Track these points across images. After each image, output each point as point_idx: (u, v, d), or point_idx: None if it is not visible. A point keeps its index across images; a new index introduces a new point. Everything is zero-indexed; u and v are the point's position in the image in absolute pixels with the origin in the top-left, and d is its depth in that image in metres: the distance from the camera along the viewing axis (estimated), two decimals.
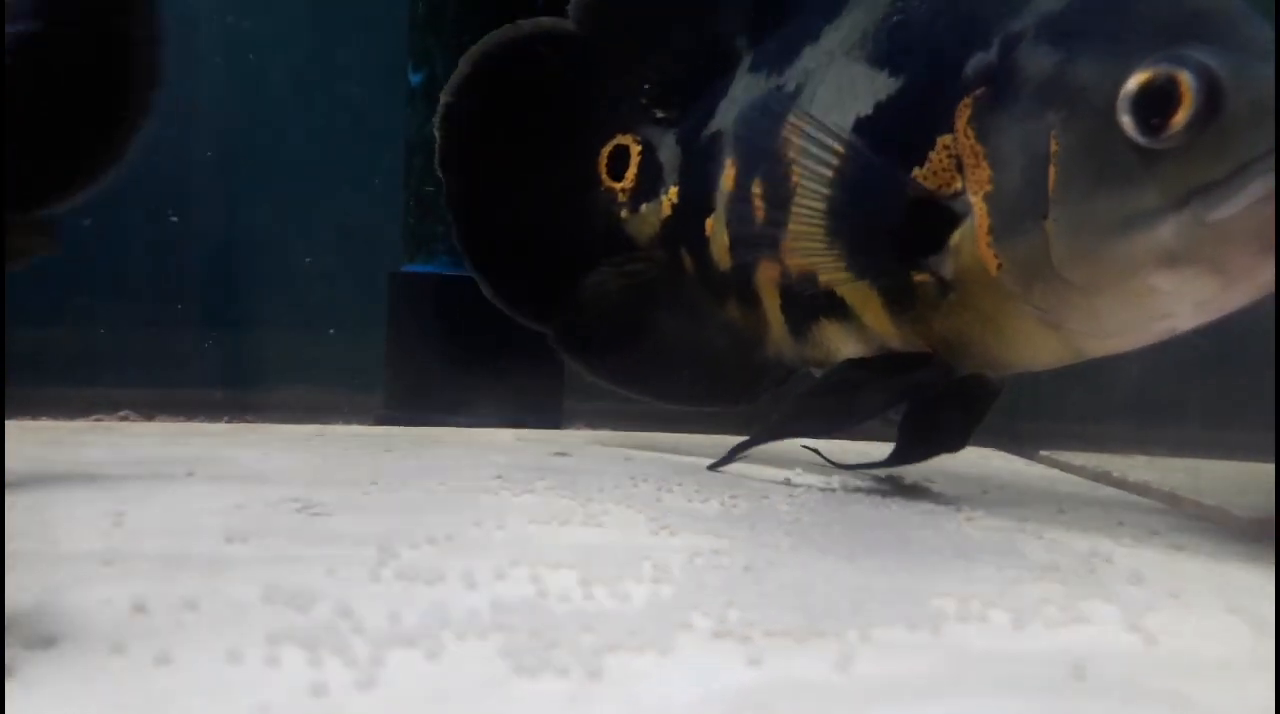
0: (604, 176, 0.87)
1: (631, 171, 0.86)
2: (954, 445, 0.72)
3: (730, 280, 0.76)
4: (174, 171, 1.35)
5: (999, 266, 0.60)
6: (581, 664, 0.35)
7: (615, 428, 1.18)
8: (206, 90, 1.34)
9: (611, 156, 0.87)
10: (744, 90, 0.78)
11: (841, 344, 0.71)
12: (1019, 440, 1.08)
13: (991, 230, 0.60)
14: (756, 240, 0.72)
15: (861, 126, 0.66)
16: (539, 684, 0.34)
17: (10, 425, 0.88)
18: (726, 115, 0.79)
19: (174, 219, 1.34)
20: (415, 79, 1.23)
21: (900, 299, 0.66)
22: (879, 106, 0.66)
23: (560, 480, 0.72)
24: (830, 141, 0.63)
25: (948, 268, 0.63)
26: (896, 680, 0.35)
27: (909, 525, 0.61)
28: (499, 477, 0.73)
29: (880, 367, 0.69)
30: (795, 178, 0.66)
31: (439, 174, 0.92)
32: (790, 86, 0.73)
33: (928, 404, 0.71)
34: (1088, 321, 0.58)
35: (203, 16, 1.33)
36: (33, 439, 0.83)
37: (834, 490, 0.74)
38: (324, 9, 1.36)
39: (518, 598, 0.42)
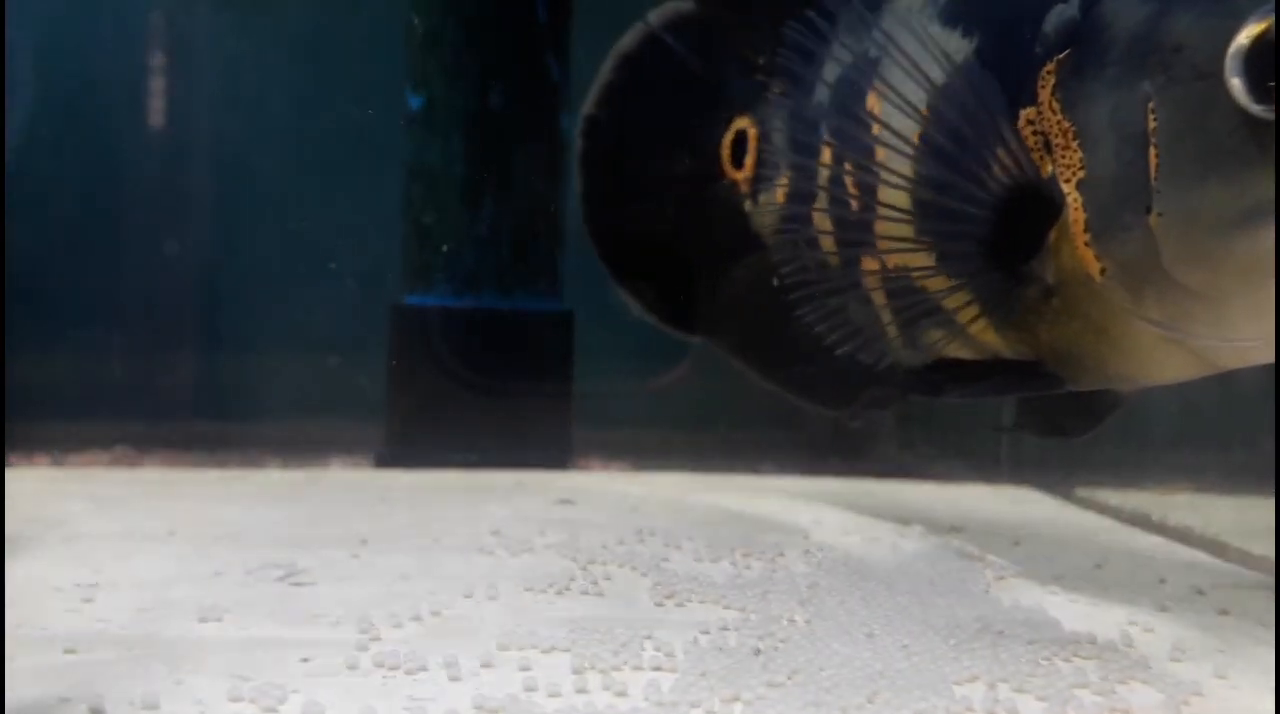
0: (727, 166, 0.81)
1: (750, 158, 0.79)
2: (1074, 433, 0.65)
3: (843, 278, 0.69)
4: (163, 199, 1.34)
5: (1102, 271, 0.51)
6: None
7: (627, 462, 1.16)
8: (196, 117, 1.34)
9: (734, 143, 0.81)
10: (840, 57, 0.70)
11: (949, 352, 0.64)
12: (1054, 474, 1.05)
13: (1089, 227, 0.51)
14: (855, 233, 0.65)
15: (936, 101, 0.58)
16: None
17: None
18: (824, 88, 0.71)
19: (167, 249, 1.34)
20: (414, 103, 1.22)
21: (1000, 305, 0.57)
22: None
23: (561, 536, 0.70)
24: (906, 121, 0.56)
25: (1048, 270, 0.54)
26: None
27: (934, 589, 0.58)
28: (496, 533, 0.71)
29: (981, 369, 0.62)
30: (881, 162, 0.60)
31: (581, 192, 0.87)
32: (873, 53, 0.65)
33: (1043, 398, 0.64)
34: (1214, 333, 0.50)
35: (192, 40, 1.33)
36: (10, 491, 0.82)
37: (853, 546, 0.71)
38: (317, 31, 1.36)
39: (503, 695, 0.40)
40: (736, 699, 0.40)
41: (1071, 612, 0.55)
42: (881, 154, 0.60)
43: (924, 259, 0.59)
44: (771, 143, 0.79)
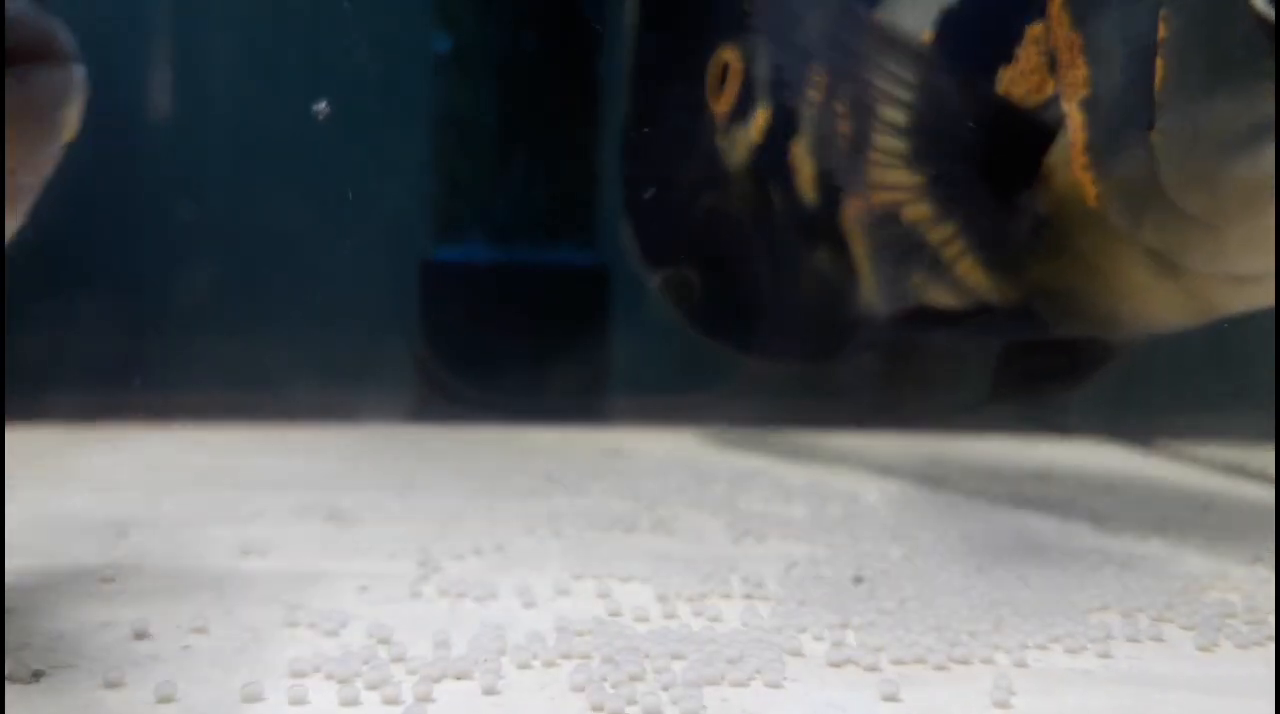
0: (709, 97, 0.79)
1: (730, 89, 0.77)
2: (1054, 392, 0.63)
3: (817, 219, 0.68)
4: (183, 157, 1.32)
5: (1098, 195, 0.49)
6: (675, 701, 0.30)
7: (666, 423, 1.13)
8: (209, 69, 1.31)
9: (717, 74, 0.79)
10: None
11: (932, 297, 0.63)
12: (1126, 429, 1.02)
13: (1089, 148, 0.49)
14: (841, 170, 0.63)
15: (947, 19, 0.57)
16: None
17: (10, 433, 0.86)
18: (818, 15, 0.68)
19: (185, 209, 1.31)
20: (441, 47, 1.19)
21: (990, 241, 0.55)
22: None
23: (618, 482, 0.68)
24: (908, 41, 0.55)
25: (1041, 199, 0.52)
26: None
27: (1036, 529, 0.55)
28: (549, 479, 0.68)
29: (962, 317, 0.60)
30: (878, 91, 0.57)
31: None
32: None
33: (1024, 352, 0.61)
34: (1214, 266, 0.47)
35: None
36: (33, 446, 0.81)
37: (934, 492, 0.68)
38: None
39: (587, 617, 0.37)
40: (846, 626, 0.37)
41: (1191, 549, 0.52)
42: (880, 80, 0.57)
43: (914, 191, 0.56)
44: (755, 72, 0.76)
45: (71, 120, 0.26)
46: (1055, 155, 0.51)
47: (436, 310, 1.17)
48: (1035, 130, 0.51)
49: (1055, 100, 0.51)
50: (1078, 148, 0.49)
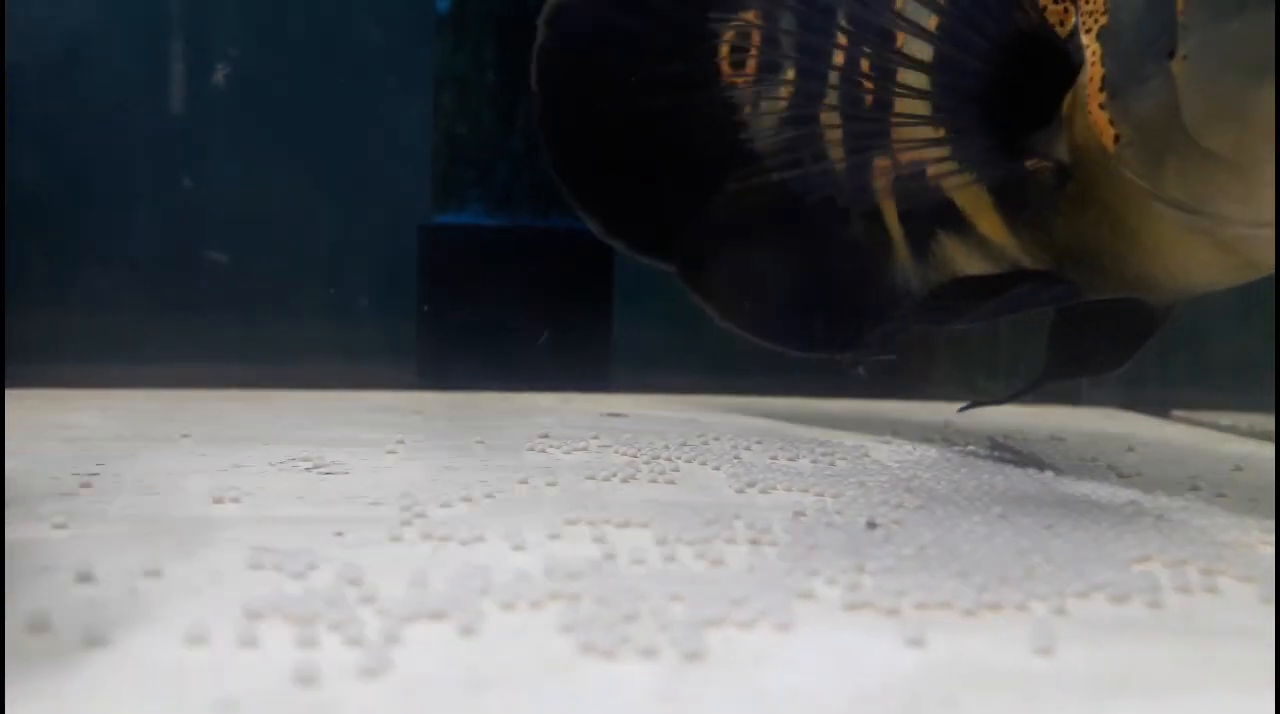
0: (726, 68, 0.72)
1: (754, 57, 0.70)
2: (1104, 368, 0.57)
3: (848, 187, 0.62)
4: (178, 124, 1.28)
5: (1116, 138, 0.43)
6: (674, 642, 0.26)
7: (671, 384, 1.09)
8: (207, 37, 1.26)
9: (735, 42, 0.71)
10: None
11: (964, 263, 0.58)
12: (1139, 400, 0.97)
13: (1105, 83, 0.43)
14: (867, 129, 0.58)
15: None
16: (617, 668, 0.25)
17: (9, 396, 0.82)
18: None
19: (183, 178, 1.27)
20: (442, 6, 1.15)
21: (1012, 196, 0.50)
22: None
23: (617, 438, 0.64)
24: None
25: (1060, 145, 0.46)
26: (1127, 670, 0.26)
27: (1061, 482, 0.51)
28: (545, 435, 0.64)
29: (989, 285, 0.54)
30: (900, 42, 0.53)
31: (534, 89, 0.76)
32: None
33: (1074, 321, 0.57)
34: (1244, 213, 0.40)
35: None
36: (15, 405, 0.77)
37: (947, 450, 0.64)
38: None
39: (579, 559, 0.34)
40: (861, 570, 0.33)
41: (1229, 504, 0.48)
42: (901, 34, 0.52)
43: (937, 147, 0.50)
44: (779, 36, 0.68)
45: None
46: (1075, 94, 0.45)
47: (436, 276, 1.13)
48: (1051, 68, 0.45)
49: (1075, 34, 0.45)
50: (1094, 84, 0.43)
